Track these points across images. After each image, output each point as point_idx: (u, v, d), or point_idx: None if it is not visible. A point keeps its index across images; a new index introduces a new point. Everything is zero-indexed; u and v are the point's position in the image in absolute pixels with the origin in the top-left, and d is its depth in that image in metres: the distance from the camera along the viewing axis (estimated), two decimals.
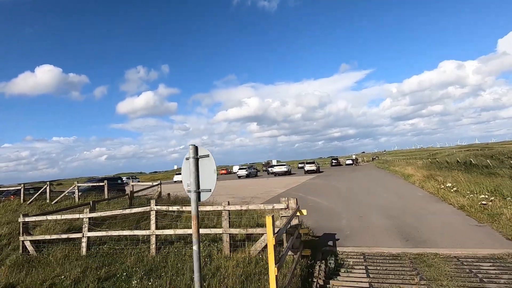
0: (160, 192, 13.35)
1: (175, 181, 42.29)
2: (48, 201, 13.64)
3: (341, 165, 58.62)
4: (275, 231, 3.25)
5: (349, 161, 58.09)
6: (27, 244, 6.82)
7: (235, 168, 70.92)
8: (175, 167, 67.82)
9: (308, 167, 35.56)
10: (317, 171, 35.55)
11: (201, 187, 3.24)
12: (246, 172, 38.34)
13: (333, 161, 59.06)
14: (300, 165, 65.22)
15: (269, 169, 43.60)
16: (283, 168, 35.96)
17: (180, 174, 45.09)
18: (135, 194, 13.34)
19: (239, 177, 38.94)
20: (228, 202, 5.85)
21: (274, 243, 3.07)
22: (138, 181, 51.05)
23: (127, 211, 6.89)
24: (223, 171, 67.61)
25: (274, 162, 66.38)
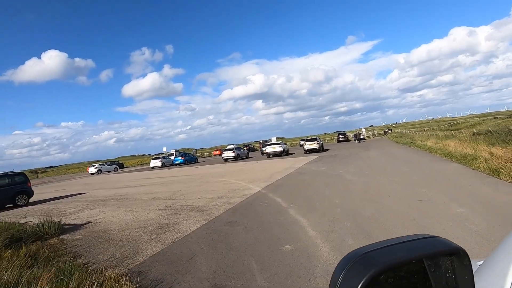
0: None
1: (152, 167, 35.88)
2: None
3: (349, 140, 51.36)
4: None
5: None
6: None
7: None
8: (164, 149, 61.76)
9: (308, 145, 28.51)
10: (320, 149, 28.51)
11: None
12: (234, 154, 31.53)
13: (340, 136, 51.74)
14: (301, 142, 58.01)
15: (263, 149, 36.72)
16: (278, 148, 28.97)
17: (157, 158, 38.54)
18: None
19: (226, 160, 32.21)
20: None
21: None
22: (115, 169, 44.18)
23: None
24: (217, 152, 61.13)
25: (274, 140, 59.32)
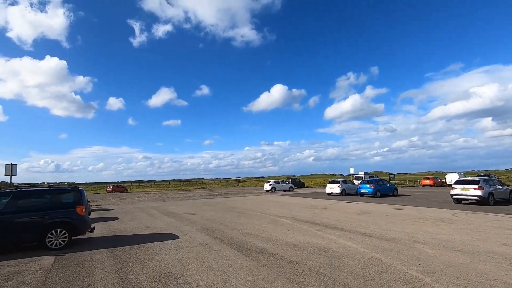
0: None
1: (328, 194, 26.00)
2: None
3: None
4: None
5: None
6: None
7: (450, 178, 41.91)
8: (351, 170, 50.96)
9: None
10: None
11: None
12: (480, 193, 15.62)
13: None
14: None
15: None
16: None
17: (335, 182, 27.95)
18: None
19: (458, 201, 16.70)
20: None
21: None
22: (290, 189, 38.08)
23: None
24: (427, 181, 42.53)
25: None
